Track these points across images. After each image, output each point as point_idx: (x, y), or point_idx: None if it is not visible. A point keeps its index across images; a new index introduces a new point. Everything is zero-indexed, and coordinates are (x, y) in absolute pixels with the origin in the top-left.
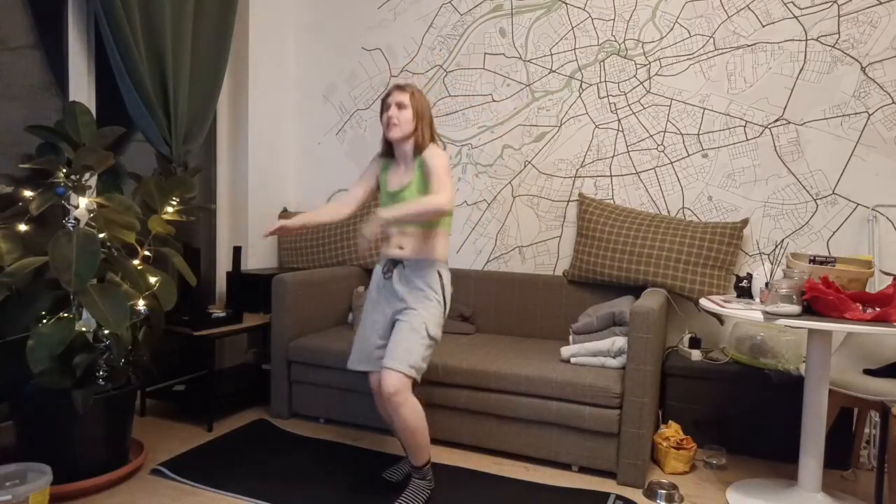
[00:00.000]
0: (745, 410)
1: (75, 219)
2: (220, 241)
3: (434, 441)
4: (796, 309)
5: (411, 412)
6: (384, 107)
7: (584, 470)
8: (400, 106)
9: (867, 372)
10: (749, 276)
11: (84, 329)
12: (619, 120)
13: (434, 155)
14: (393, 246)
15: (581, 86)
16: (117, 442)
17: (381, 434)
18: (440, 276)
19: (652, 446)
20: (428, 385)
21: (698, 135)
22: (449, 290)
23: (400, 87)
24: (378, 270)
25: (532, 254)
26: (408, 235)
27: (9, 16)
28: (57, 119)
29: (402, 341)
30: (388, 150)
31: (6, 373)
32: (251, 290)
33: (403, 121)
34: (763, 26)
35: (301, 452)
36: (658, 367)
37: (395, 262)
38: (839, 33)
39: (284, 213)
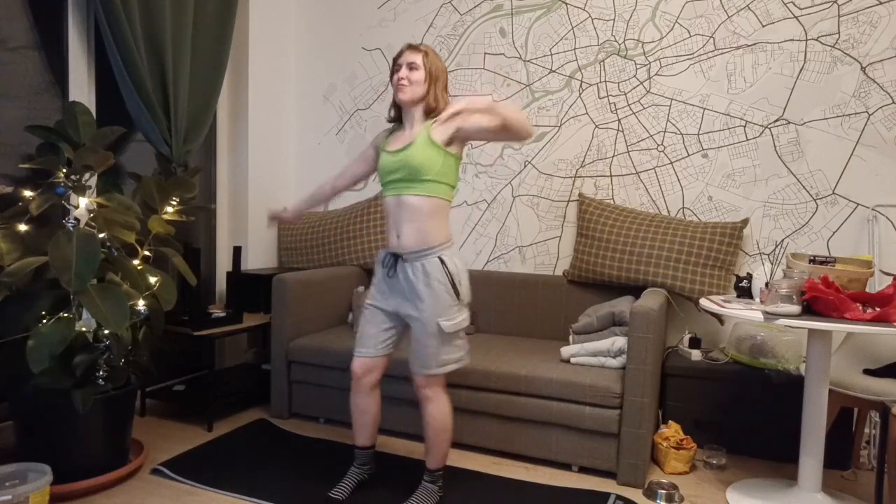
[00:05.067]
0: (745, 410)
1: (75, 219)
2: (220, 241)
3: None
4: (796, 309)
5: (438, 408)
6: (394, 67)
7: (584, 470)
8: (411, 66)
9: (867, 372)
10: (749, 276)
11: (84, 329)
12: (619, 120)
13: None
14: (392, 234)
15: (581, 86)
16: (117, 442)
17: (380, 434)
18: (443, 262)
19: (652, 446)
20: None
21: (698, 135)
22: (460, 273)
23: (412, 47)
24: (380, 260)
25: (532, 254)
26: (406, 221)
27: (9, 16)
28: (57, 119)
29: (421, 348)
30: (397, 115)
31: (6, 373)
32: (251, 290)
33: (415, 81)
34: (763, 26)
35: (301, 452)
36: (658, 367)
37: (395, 257)
38: (839, 33)
39: (285, 213)
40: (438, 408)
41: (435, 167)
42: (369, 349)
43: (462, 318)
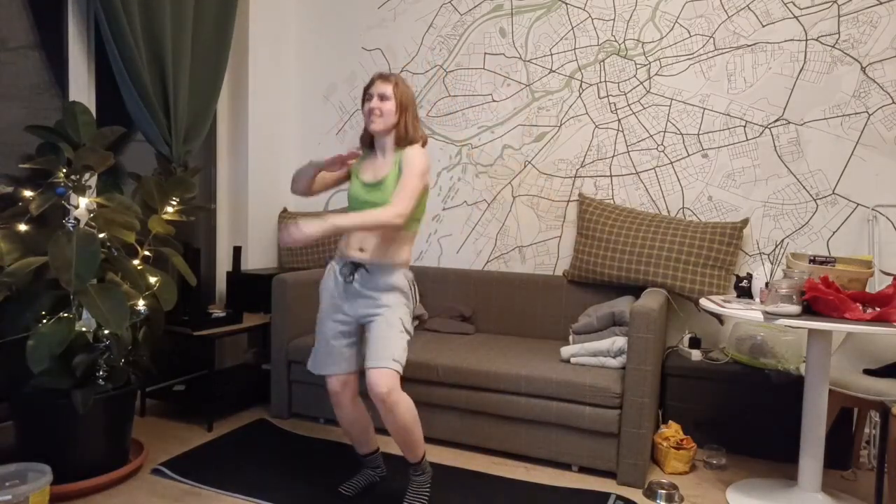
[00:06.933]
0: (745, 410)
1: (75, 219)
2: (220, 241)
3: (434, 441)
4: (796, 309)
5: (406, 409)
6: (366, 97)
7: (584, 470)
8: (382, 97)
9: (867, 372)
10: (749, 276)
11: (84, 329)
12: (619, 120)
13: (412, 156)
14: (353, 248)
15: (581, 86)
16: (117, 442)
17: (381, 434)
18: (406, 277)
19: (652, 446)
20: (428, 385)
21: (698, 135)
22: (415, 288)
23: (383, 77)
24: (333, 271)
25: (532, 254)
26: (370, 238)
27: (9, 16)
28: (57, 119)
29: (381, 338)
30: (369, 142)
31: (6, 373)
32: (251, 290)
33: (386, 112)
34: (763, 26)
35: (301, 452)
36: (658, 367)
37: (355, 265)
38: (839, 33)
39: (284, 213)
40: (405, 407)
41: None
42: (339, 366)
43: (411, 326)
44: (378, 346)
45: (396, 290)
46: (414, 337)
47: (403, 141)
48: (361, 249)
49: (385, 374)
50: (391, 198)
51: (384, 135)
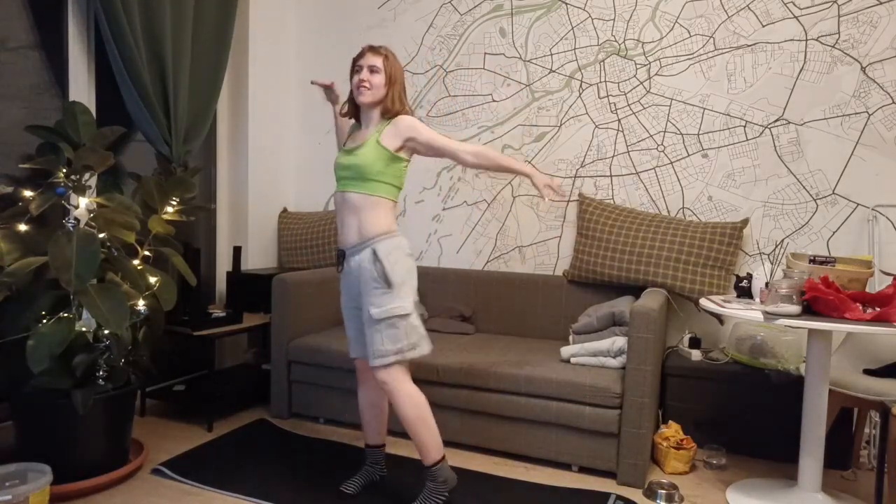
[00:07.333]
0: (745, 410)
1: (75, 219)
2: (220, 241)
3: None
4: (796, 309)
5: (405, 401)
6: (355, 68)
7: (584, 470)
8: (372, 69)
9: (867, 372)
10: (749, 276)
11: (84, 329)
12: (619, 120)
13: (412, 123)
14: (339, 232)
15: (581, 86)
16: (117, 442)
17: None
18: (374, 253)
19: (652, 446)
20: (428, 385)
21: (698, 135)
22: (394, 257)
23: (374, 49)
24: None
25: (532, 254)
26: (347, 219)
27: (9, 16)
28: (57, 119)
29: (365, 338)
30: (355, 113)
31: (6, 373)
32: (251, 290)
33: (375, 85)
34: (763, 26)
35: (301, 452)
36: (658, 367)
37: (342, 254)
38: (839, 33)
39: (284, 213)
40: (401, 400)
41: (377, 167)
42: (361, 351)
43: (394, 304)
44: (366, 344)
45: (366, 272)
46: None
47: (389, 114)
48: (342, 231)
49: (376, 368)
50: (450, 148)
51: (372, 107)
